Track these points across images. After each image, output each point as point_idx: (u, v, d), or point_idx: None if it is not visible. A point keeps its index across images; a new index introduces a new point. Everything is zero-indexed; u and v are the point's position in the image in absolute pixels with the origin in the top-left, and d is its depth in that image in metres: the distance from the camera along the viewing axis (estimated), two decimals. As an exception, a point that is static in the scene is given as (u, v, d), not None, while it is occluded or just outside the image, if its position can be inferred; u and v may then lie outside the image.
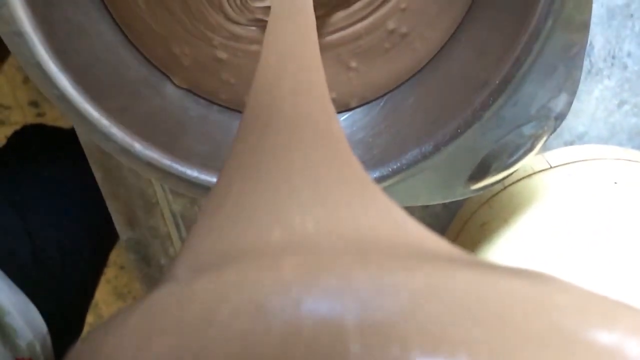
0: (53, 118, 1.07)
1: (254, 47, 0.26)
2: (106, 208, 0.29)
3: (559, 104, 0.21)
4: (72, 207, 0.49)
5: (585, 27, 0.19)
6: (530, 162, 0.27)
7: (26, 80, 1.11)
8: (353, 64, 0.26)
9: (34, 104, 1.15)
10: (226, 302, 0.08)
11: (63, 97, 0.20)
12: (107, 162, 0.29)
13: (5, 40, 0.19)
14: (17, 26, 0.19)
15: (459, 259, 0.10)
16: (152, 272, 0.32)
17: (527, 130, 0.21)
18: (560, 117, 0.21)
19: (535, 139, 0.22)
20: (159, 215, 0.30)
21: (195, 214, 0.30)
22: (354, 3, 0.24)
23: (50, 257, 0.41)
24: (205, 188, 0.22)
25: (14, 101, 1.08)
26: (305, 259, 0.09)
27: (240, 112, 0.27)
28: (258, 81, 0.16)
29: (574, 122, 0.29)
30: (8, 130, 0.69)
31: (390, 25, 0.24)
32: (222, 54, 0.25)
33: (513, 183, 0.27)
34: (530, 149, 0.22)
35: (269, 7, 0.24)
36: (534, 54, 0.20)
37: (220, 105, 0.27)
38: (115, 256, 0.94)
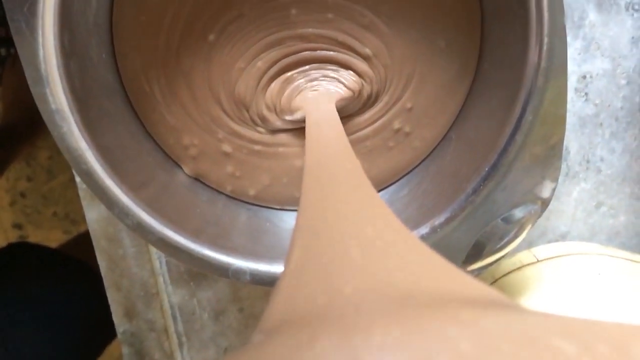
0: (35, 241, 1.07)
1: (257, 147, 0.28)
2: (96, 320, 0.30)
3: (543, 189, 0.23)
4: (55, 325, 0.49)
5: (562, 120, 0.22)
6: (518, 256, 0.29)
7: (12, 202, 1.12)
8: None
9: (17, 226, 1.15)
10: None
11: (88, 172, 0.22)
12: (112, 252, 0.30)
13: (44, 117, 0.21)
14: (57, 105, 0.21)
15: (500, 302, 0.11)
16: (144, 369, 0.32)
17: (516, 214, 0.23)
18: (545, 202, 0.23)
19: (523, 222, 0.23)
20: (157, 308, 0.31)
21: (194, 307, 0.31)
22: (369, 109, 0.27)
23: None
24: (211, 265, 0.24)
25: (-3, 222, 1.08)
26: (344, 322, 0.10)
27: (246, 202, 0.29)
28: (309, 175, 0.18)
29: (556, 222, 0.31)
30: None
31: (396, 125, 0.27)
32: (227, 148, 0.28)
33: (503, 275, 0.29)
34: (519, 232, 0.24)
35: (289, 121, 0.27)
36: (518, 145, 0.22)
37: (226, 195, 0.28)
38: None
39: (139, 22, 0.25)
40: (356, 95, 0.26)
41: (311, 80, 0.27)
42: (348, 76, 0.26)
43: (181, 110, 0.27)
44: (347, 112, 0.27)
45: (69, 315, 0.51)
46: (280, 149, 0.28)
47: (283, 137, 0.28)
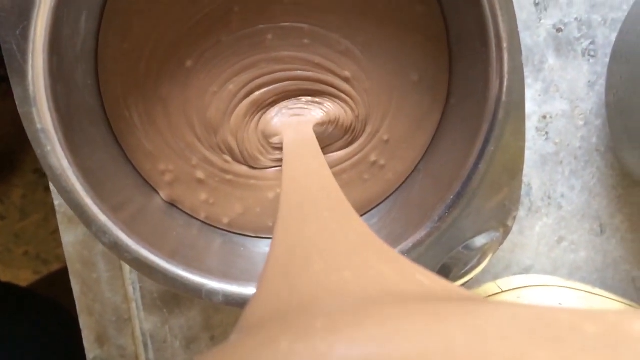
0: (5, 280, 1.06)
1: (228, 177, 0.29)
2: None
3: (505, 217, 0.24)
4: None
5: (521, 151, 0.23)
6: (484, 287, 0.30)
7: (-16, 241, 1.10)
8: None
9: (-13, 266, 1.13)
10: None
11: (68, 190, 0.23)
12: (87, 276, 0.30)
13: (30, 136, 0.22)
14: (42, 124, 0.22)
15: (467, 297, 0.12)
16: (113, 398, 0.31)
17: (479, 240, 0.24)
18: (507, 229, 0.24)
19: (486, 249, 0.25)
20: (129, 334, 0.31)
21: (166, 334, 0.31)
22: (351, 144, 0.28)
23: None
24: (185, 285, 0.24)
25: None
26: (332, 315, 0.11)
27: (220, 229, 0.29)
28: (286, 191, 0.19)
29: (520, 255, 0.32)
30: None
31: (373, 157, 0.28)
32: (201, 175, 0.29)
33: (469, 306, 0.30)
34: (483, 259, 0.25)
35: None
36: (481, 174, 0.24)
37: (201, 221, 0.29)
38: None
39: (121, 50, 0.26)
40: (333, 121, 0.28)
41: (283, 106, 0.28)
42: (327, 102, 0.28)
43: (158, 136, 0.28)
44: (328, 142, 0.28)
45: (41, 354, 0.50)
46: (252, 181, 0.29)
47: (265, 162, 0.29)
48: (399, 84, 0.27)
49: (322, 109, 0.28)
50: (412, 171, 0.29)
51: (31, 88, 0.22)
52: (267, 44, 0.27)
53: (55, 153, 0.22)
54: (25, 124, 0.22)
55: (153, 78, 0.27)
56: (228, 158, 0.28)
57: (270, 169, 0.29)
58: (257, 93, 0.28)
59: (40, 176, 1.09)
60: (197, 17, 0.26)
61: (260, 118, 0.28)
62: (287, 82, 0.28)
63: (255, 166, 0.29)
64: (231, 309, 0.32)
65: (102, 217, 0.23)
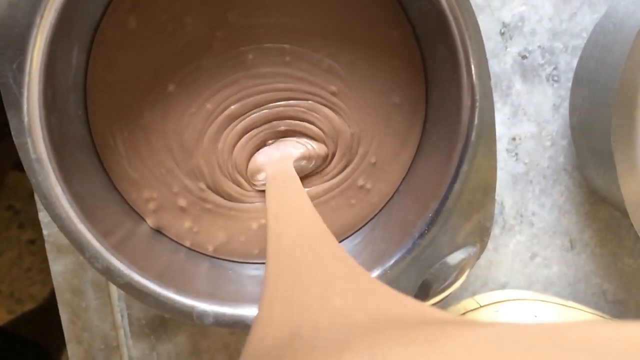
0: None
1: (208, 206, 0.29)
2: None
3: (480, 233, 0.26)
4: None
5: (493, 170, 0.25)
6: (463, 303, 0.31)
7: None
8: None
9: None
10: None
11: (62, 217, 0.23)
12: (76, 304, 0.30)
13: (24, 165, 0.23)
14: (37, 154, 0.23)
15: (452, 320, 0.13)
16: None
17: (457, 256, 0.26)
18: (483, 244, 0.26)
19: (464, 264, 0.26)
20: (117, 361, 0.31)
21: (154, 360, 0.32)
22: (346, 168, 0.29)
23: None
24: (176, 308, 0.25)
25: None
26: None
27: (206, 255, 0.30)
28: (272, 225, 0.20)
29: (496, 272, 0.33)
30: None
31: (360, 181, 0.29)
32: (183, 202, 0.29)
33: (450, 321, 0.31)
34: (461, 274, 0.26)
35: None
36: (457, 192, 0.25)
37: (187, 248, 0.30)
38: None
39: (107, 81, 0.27)
40: (314, 155, 0.29)
41: (261, 127, 0.28)
42: (306, 137, 0.29)
43: (141, 164, 0.28)
44: (311, 169, 0.29)
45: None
46: (232, 212, 0.30)
47: (237, 196, 0.29)
48: (382, 105, 0.29)
49: (301, 144, 0.29)
50: (394, 192, 0.30)
51: (26, 119, 0.23)
52: (248, 63, 0.28)
53: (49, 181, 0.23)
54: (20, 154, 0.23)
55: (136, 106, 0.27)
56: (202, 186, 0.29)
57: (247, 204, 0.30)
58: (233, 107, 0.28)
59: (14, 213, 1.08)
60: (179, 44, 0.27)
61: (234, 140, 0.28)
62: (267, 94, 0.28)
63: (228, 199, 0.29)
64: (218, 334, 0.32)
65: (95, 243, 0.24)
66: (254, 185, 0.29)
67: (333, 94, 0.28)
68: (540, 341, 0.10)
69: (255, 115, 0.28)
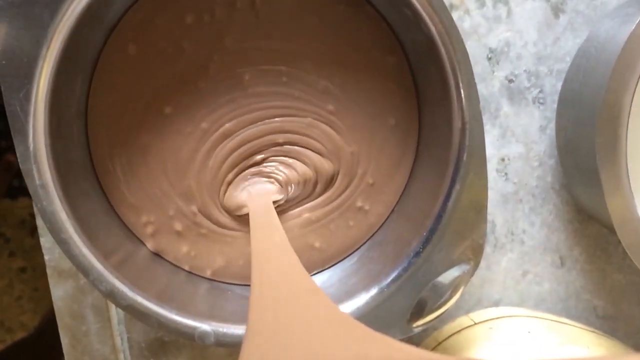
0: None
1: (203, 231, 0.30)
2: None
3: (473, 250, 0.26)
4: None
5: (484, 188, 0.26)
6: (458, 321, 0.32)
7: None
8: (317, 244, 0.30)
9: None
10: None
11: (67, 241, 0.24)
12: (76, 329, 0.31)
13: (30, 190, 0.23)
14: (42, 180, 0.23)
15: None
16: None
17: (452, 273, 0.26)
18: (476, 261, 0.26)
19: (458, 282, 0.27)
20: (117, 385, 0.31)
21: (153, 383, 0.32)
22: (343, 193, 0.30)
23: None
24: (178, 329, 0.25)
25: None
26: None
27: (205, 278, 0.30)
28: (256, 261, 0.21)
29: (489, 290, 0.34)
30: None
31: (359, 202, 0.30)
32: (178, 226, 0.29)
33: (446, 339, 0.31)
34: (456, 291, 0.27)
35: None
36: (450, 211, 0.26)
37: (186, 271, 0.30)
38: None
39: (106, 105, 0.27)
40: (296, 182, 0.29)
41: (255, 142, 0.29)
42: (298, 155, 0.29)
43: (139, 187, 0.29)
44: (308, 193, 0.30)
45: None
46: (228, 238, 0.30)
47: (227, 223, 0.30)
48: (378, 126, 0.29)
49: (275, 178, 0.29)
50: (390, 213, 0.31)
51: (32, 146, 0.23)
52: (245, 83, 0.28)
53: (54, 207, 0.24)
54: (26, 180, 0.23)
55: (135, 129, 0.28)
56: (194, 209, 0.29)
57: (240, 231, 0.30)
58: (228, 124, 0.28)
59: (5, 241, 1.07)
60: (177, 68, 0.28)
61: (225, 156, 0.29)
62: (263, 112, 0.29)
63: (218, 225, 0.30)
64: (217, 356, 0.33)
65: (98, 266, 0.25)
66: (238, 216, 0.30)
67: (331, 113, 0.29)
68: None
69: (250, 132, 0.29)
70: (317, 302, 0.18)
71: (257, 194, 0.29)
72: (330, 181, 0.30)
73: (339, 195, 0.30)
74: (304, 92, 0.29)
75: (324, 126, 0.29)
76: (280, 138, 0.29)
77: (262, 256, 0.22)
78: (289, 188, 0.29)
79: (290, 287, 0.19)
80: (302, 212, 0.30)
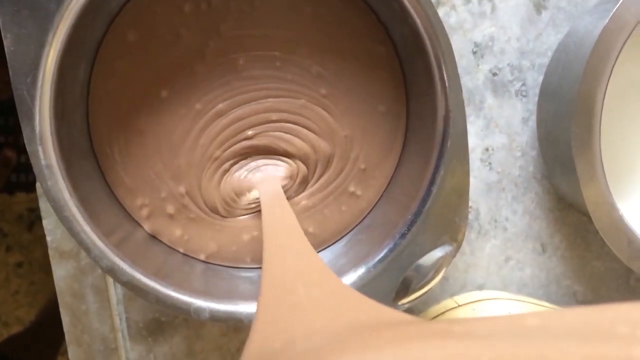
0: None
1: (192, 215, 0.31)
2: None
3: (456, 232, 0.28)
4: None
5: (466, 174, 0.27)
6: (443, 303, 0.33)
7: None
8: (311, 229, 0.32)
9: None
10: None
11: (70, 219, 0.25)
12: (76, 307, 0.32)
13: (35, 170, 0.25)
14: (47, 160, 0.25)
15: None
16: None
17: (435, 254, 0.28)
18: (458, 242, 0.28)
19: (441, 262, 0.28)
20: (115, 363, 0.33)
21: (150, 361, 0.33)
22: (337, 178, 0.31)
23: None
24: (174, 304, 0.27)
25: None
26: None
27: (199, 260, 0.32)
28: (267, 246, 0.23)
29: (473, 275, 0.35)
30: None
31: (351, 188, 0.31)
32: (171, 209, 0.30)
33: (431, 319, 0.33)
34: (439, 271, 0.28)
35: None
36: (434, 195, 0.27)
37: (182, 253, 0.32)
38: None
39: (106, 91, 0.29)
40: (296, 174, 0.31)
41: (249, 165, 0.30)
42: (291, 139, 0.30)
43: (135, 170, 0.29)
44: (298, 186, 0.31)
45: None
46: (217, 226, 0.31)
47: (209, 209, 0.31)
48: (370, 112, 0.31)
49: (283, 164, 0.30)
50: (379, 198, 0.32)
51: (38, 128, 0.25)
52: (239, 67, 0.29)
53: (58, 186, 0.25)
54: (32, 161, 0.25)
55: (132, 113, 0.29)
56: (182, 190, 0.30)
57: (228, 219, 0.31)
58: (221, 104, 0.29)
59: (2, 236, 1.08)
60: (174, 54, 0.29)
61: (216, 133, 0.30)
62: (257, 92, 0.30)
63: (201, 210, 0.31)
64: (211, 336, 0.34)
65: (99, 244, 0.26)
66: (235, 204, 0.31)
67: (324, 96, 0.30)
68: (499, 329, 0.12)
69: (242, 110, 0.30)
70: (327, 278, 0.20)
71: (266, 179, 0.30)
72: (328, 163, 0.31)
73: (334, 180, 0.31)
74: (298, 75, 0.30)
75: (317, 108, 0.30)
76: (274, 116, 0.30)
77: (274, 237, 0.24)
78: (294, 169, 0.31)
79: (301, 266, 0.21)
80: (301, 200, 0.32)
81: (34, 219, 1.07)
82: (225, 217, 0.31)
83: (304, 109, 0.30)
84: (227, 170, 0.31)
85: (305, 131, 0.30)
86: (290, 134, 0.31)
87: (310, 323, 0.16)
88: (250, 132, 0.30)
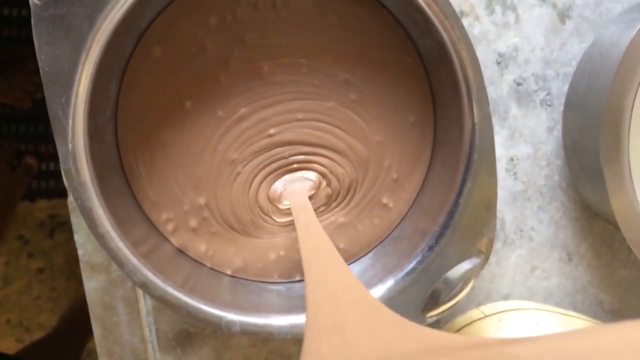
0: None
1: (213, 229, 0.31)
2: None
3: (484, 244, 0.28)
4: None
5: (494, 186, 0.27)
6: (469, 314, 0.34)
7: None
8: (342, 245, 0.32)
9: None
10: None
11: (104, 236, 0.26)
12: (107, 319, 0.33)
13: (69, 189, 0.25)
14: (81, 178, 0.25)
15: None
16: None
17: (463, 266, 0.28)
18: (486, 255, 0.28)
19: (469, 274, 0.28)
20: (145, 374, 0.33)
21: (179, 372, 0.34)
22: (371, 189, 0.31)
23: None
24: (206, 318, 0.27)
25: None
26: None
27: (226, 274, 0.32)
28: (306, 264, 0.23)
29: (499, 285, 0.35)
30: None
31: (384, 199, 0.31)
32: (193, 223, 0.30)
33: (457, 331, 0.33)
34: (467, 283, 0.28)
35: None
36: (462, 207, 0.28)
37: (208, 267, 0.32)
38: None
39: (132, 106, 0.29)
40: (324, 183, 0.31)
41: (272, 120, 0.29)
42: (320, 161, 0.30)
43: (159, 184, 0.30)
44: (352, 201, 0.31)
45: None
46: (239, 243, 0.31)
47: (229, 222, 0.31)
48: (400, 121, 0.30)
49: (314, 173, 0.30)
50: (408, 210, 0.32)
51: (71, 147, 0.25)
52: (264, 74, 0.29)
53: (92, 203, 0.26)
54: (66, 179, 0.25)
55: (157, 127, 0.29)
56: (202, 201, 0.30)
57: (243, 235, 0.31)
58: (244, 109, 0.29)
59: (24, 243, 1.10)
60: (199, 66, 0.29)
61: (237, 135, 0.29)
62: (282, 96, 0.29)
63: (219, 224, 0.31)
64: (240, 347, 0.34)
65: (133, 259, 0.26)
66: (271, 212, 0.31)
67: (353, 101, 0.30)
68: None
69: (265, 112, 0.29)
70: (363, 300, 0.20)
71: (293, 191, 0.30)
72: (365, 170, 0.30)
73: (370, 190, 0.31)
74: (325, 81, 0.29)
75: (348, 111, 0.30)
76: (300, 115, 0.30)
77: (312, 258, 0.23)
78: (324, 180, 0.30)
79: (339, 287, 0.21)
80: (338, 217, 0.32)
81: (55, 226, 1.09)
82: (241, 234, 0.31)
83: (333, 111, 0.30)
84: (243, 175, 0.30)
85: (336, 129, 0.30)
86: (319, 130, 0.30)
87: (355, 346, 0.16)
88: (272, 131, 0.30)
